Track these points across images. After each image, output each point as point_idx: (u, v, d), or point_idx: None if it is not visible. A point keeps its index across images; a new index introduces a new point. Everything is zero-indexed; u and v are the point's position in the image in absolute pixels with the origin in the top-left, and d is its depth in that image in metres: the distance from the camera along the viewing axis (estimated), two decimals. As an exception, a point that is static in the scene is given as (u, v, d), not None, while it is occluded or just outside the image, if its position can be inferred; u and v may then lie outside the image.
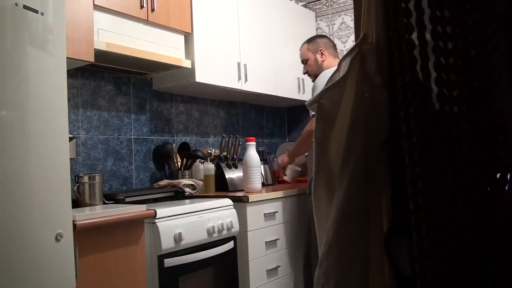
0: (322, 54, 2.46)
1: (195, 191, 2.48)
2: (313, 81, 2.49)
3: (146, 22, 2.27)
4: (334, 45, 2.58)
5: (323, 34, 2.58)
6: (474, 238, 0.51)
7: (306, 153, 2.61)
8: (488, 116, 0.47)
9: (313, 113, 2.27)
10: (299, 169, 2.71)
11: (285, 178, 2.72)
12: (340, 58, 2.70)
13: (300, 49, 2.62)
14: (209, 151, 2.80)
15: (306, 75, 2.64)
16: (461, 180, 0.51)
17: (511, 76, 0.46)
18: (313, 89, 2.35)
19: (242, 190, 2.62)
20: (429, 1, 0.52)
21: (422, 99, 0.55)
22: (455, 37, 0.49)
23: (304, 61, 2.57)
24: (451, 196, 0.52)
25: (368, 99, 0.69)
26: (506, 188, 0.47)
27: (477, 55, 0.48)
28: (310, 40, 2.57)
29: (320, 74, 2.36)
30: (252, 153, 2.51)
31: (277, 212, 2.50)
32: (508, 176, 0.48)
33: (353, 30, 1.56)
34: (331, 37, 3.67)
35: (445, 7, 0.49)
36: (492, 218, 0.49)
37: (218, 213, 2.16)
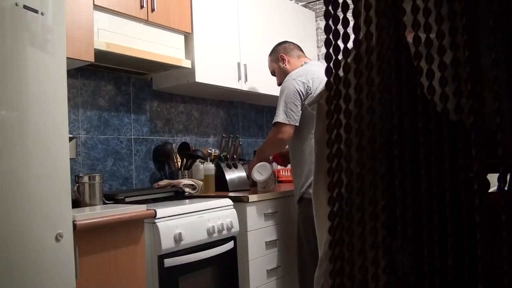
0: (283, 59, 2.51)
1: (195, 191, 2.48)
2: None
3: (146, 22, 2.27)
4: (297, 46, 2.58)
5: (285, 40, 2.58)
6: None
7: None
8: (485, 116, 0.47)
9: (277, 120, 2.24)
10: (268, 166, 2.52)
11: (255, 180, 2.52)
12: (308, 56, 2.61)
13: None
14: (209, 151, 2.80)
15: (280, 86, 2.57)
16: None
17: (507, 75, 0.46)
18: (280, 93, 2.32)
19: (243, 190, 2.62)
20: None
21: (416, 99, 0.55)
22: (452, 34, 0.49)
23: (273, 73, 2.62)
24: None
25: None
26: (506, 188, 0.47)
27: (472, 54, 0.48)
28: (271, 52, 2.61)
29: (286, 77, 2.35)
30: None
31: (277, 212, 2.50)
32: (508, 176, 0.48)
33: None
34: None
35: (441, 5, 0.49)
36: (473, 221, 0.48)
37: (218, 213, 2.16)
